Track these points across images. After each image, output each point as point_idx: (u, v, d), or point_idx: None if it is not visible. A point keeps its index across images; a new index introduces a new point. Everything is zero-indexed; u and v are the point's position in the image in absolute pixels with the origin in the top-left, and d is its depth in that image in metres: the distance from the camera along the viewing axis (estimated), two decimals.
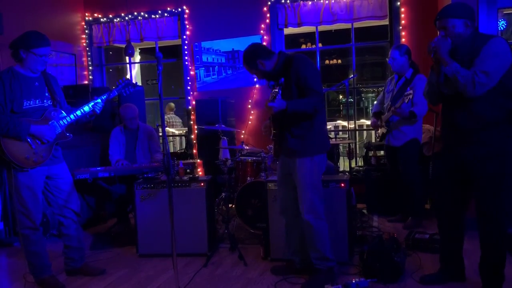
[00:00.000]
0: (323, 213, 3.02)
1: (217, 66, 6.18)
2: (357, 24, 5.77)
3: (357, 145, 6.68)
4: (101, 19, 6.55)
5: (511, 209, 3.07)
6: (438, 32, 2.73)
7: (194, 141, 6.18)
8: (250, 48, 3.09)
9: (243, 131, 6.00)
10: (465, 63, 2.63)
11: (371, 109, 6.77)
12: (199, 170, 5.90)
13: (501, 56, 2.55)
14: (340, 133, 7.25)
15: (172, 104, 8.83)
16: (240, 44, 6.02)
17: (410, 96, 3.78)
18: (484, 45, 2.58)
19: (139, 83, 7.23)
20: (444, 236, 3.01)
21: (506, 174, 2.62)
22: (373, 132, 6.60)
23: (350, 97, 6.10)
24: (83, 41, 6.64)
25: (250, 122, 6.04)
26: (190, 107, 6.28)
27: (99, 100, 3.30)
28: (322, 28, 5.93)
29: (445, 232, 2.99)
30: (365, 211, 4.87)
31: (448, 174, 2.87)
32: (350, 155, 5.19)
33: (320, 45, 6.05)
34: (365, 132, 7.84)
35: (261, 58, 3.02)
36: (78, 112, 3.26)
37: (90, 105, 3.28)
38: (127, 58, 6.76)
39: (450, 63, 2.62)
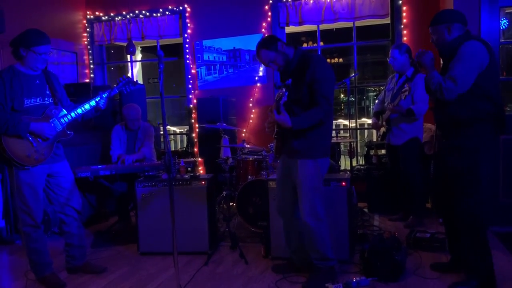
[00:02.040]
0: (324, 214, 3.00)
1: (218, 65, 6.18)
2: (358, 23, 5.77)
3: (358, 144, 6.68)
4: (103, 18, 6.55)
5: (494, 206, 3.38)
6: None
7: (195, 140, 6.18)
8: (267, 35, 3.07)
9: (244, 130, 6.01)
10: (446, 67, 2.74)
11: (372, 108, 6.77)
12: (200, 168, 5.90)
13: (469, 60, 2.61)
14: (341, 131, 7.25)
15: None
16: (241, 42, 6.02)
17: (406, 93, 3.80)
18: (458, 49, 2.66)
19: (141, 82, 7.23)
20: (447, 228, 3.09)
21: (478, 171, 2.70)
22: (374, 131, 6.61)
23: (351, 96, 6.10)
24: (85, 39, 6.65)
25: (251, 121, 6.04)
26: (191, 106, 6.28)
27: (98, 98, 3.30)
28: (323, 26, 5.92)
29: (448, 224, 3.07)
30: (366, 209, 4.86)
31: (441, 171, 2.97)
32: (351, 154, 5.19)
33: (321, 43, 6.05)
34: (366, 131, 7.84)
35: (282, 42, 2.98)
36: (79, 110, 3.26)
37: (91, 103, 3.28)
38: (128, 56, 6.77)
39: (429, 71, 2.75)
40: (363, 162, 5.67)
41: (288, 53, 2.97)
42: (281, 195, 3.19)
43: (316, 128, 2.91)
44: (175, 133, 8.24)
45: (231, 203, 4.49)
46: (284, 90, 2.74)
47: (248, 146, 4.85)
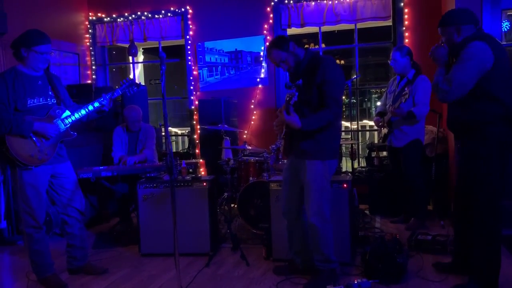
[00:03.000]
0: (329, 216, 3.01)
1: (220, 66, 6.18)
2: (360, 25, 5.76)
3: (360, 146, 6.68)
4: (105, 19, 6.57)
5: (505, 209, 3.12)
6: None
7: (197, 141, 6.19)
8: (279, 35, 3.09)
9: (246, 131, 6.01)
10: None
11: (374, 110, 6.78)
12: (201, 170, 5.90)
13: (469, 62, 2.54)
14: (343, 133, 7.25)
15: None
16: (243, 44, 6.03)
17: (407, 96, 3.80)
18: (461, 51, 2.60)
19: (142, 83, 7.24)
20: (455, 229, 3.09)
21: (493, 178, 2.64)
22: (375, 133, 6.61)
23: (353, 97, 6.10)
24: (87, 40, 6.66)
25: (252, 122, 6.04)
26: (193, 107, 6.28)
27: (102, 99, 3.31)
28: (325, 28, 5.93)
29: (456, 225, 3.06)
30: (367, 211, 4.86)
31: (457, 174, 2.96)
32: (353, 155, 5.19)
33: (323, 45, 6.05)
34: (367, 133, 7.84)
35: (293, 42, 2.98)
36: (83, 111, 3.27)
37: (95, 104, 3.29)
38: (130, 57, 6.77)
39: (438, 68, 2.71)
40: (365, 164, 5.66)
41: (299, 54, 2.99)
42: (287, 195, 3.19)
43: (325, 130, 2.91)
44: (176, 135, 8.25)
45: (232, 205, 4.49)
46: (294, 90, 2.75)
47: (250, 147, 4.85)
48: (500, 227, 2.74)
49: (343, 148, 6.87)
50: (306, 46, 9.37)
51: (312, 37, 8.86)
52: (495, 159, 2.63)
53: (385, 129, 4.41)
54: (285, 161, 4.24)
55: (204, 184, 3.78)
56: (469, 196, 2.77)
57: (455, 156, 3.01)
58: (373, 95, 12.73)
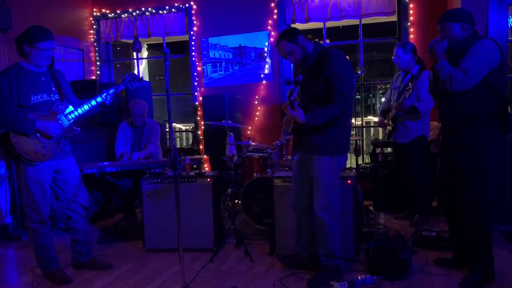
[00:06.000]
0: (338, 211, 3.00)
1: (224, 62, 6.18)
2: (365, 20, 5.73)
3: (364, 142, 6.66)
4: (109, 15, 6.57)
5: (501, 205, 3.51)
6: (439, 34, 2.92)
7: (201, 137, 6.19)
8: (289, 27, 3.09)
9: (250, 127, 6.00)
10: (456, 63, 2.78)
11: (379, 106, 6.75)
12: (205, 165, 5.91)
13: (483, 56, 2.69)
14: None
15: None
16: (247, 40, 6.01)
17: (410, 91, 3.79)
18: (472, 46, 2.73)
19: (146, 79, 7.25)
20: (450, 224, 3.14)
21: (485, 167, 2.77)
22: (380, 129, 6.58)
23: (357, 93, 6.08)
24: (91, 36, 6.67)
25: (256, 118, 6.04)
26: (197, 103, 6.29)
27: (105, 94, 3.31)
28: (329, 24, 5.90)
29: (451, 220, 3.10)
30: (371, 208, 4.85)
31: (446, 167, 3.01)
32: (357, 152, 5.18)
33: (327, 41, 6.03)
34: (372, 129, 7.81)
35: (303, 36, 2.97)
36: (86, 107, 3.27)
37: (97, 99, 3.30)
38: (134, 53, 6.77)
39: (441, 61, 2.80)
40: (369, 160, 5.64)
41: (307, 48, 2.97)
42: (297, 190, 3.18)
43: (333, 125, 2.90)
44: (180, 131, 8.26)
45: (236, 201, 4.49)
46: (293, 86, 2.74)
47: (254, 143, 4.85)
48: (491, 216, 2.84)
49: None
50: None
51: (316, 32, 8.82)
52: (491, 151, 2.78)
53: (389, 126, 4.39)
54: (289, 156, 4.28)
55: (208, 180, 3.78)
56: (462, 186, 2.84)
57: (444, 151, 3.03)
58: (378, 91, 12.66)
